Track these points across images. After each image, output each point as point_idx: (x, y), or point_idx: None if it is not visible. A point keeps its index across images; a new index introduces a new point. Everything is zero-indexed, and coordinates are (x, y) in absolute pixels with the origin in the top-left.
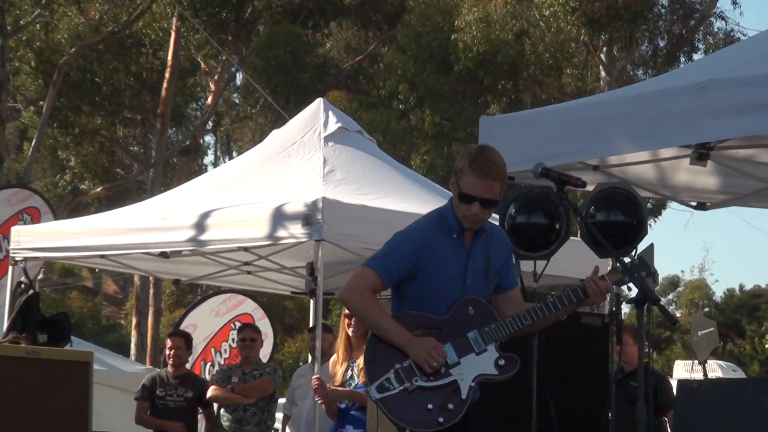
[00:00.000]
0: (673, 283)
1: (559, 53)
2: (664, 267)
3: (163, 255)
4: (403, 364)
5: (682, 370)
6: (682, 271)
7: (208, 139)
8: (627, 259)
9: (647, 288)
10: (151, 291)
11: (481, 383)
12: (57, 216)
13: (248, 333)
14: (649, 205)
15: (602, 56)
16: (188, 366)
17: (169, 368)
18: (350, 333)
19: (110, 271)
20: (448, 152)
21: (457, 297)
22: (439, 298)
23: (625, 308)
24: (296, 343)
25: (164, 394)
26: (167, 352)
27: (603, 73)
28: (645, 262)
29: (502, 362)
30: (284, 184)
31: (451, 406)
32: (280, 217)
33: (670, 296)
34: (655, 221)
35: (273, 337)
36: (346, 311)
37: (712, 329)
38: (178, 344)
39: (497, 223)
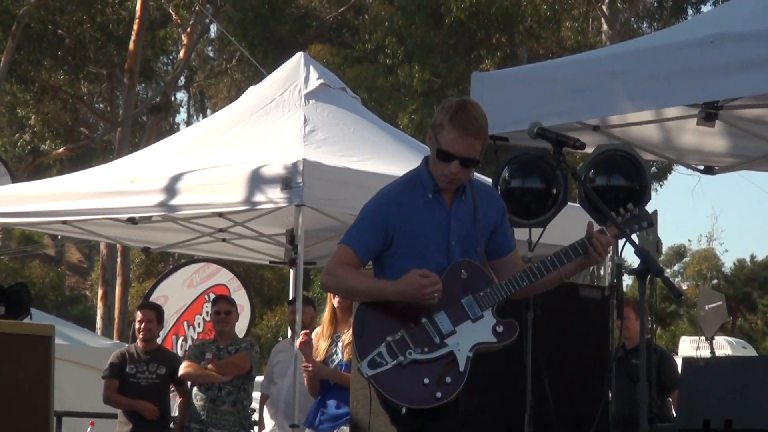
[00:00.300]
0: (679, 253)
1: (558, 5)
2: (669, 236)
3: (131, 221)
4: (396, 336)
5: (689, 347)
6: (689, 241)
7: (180, 96)
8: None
9: (650, 258)
10: (119, 260)
11: (478, 353)
12: (15, 179)
13: (223, 305)
14: (653, 168)
15: (604, 8)
16: (159, 341)
17: (139, 343)
18: (336, 305)
19: (74, 238)
20: None
21: (443, 262)
22: (424, 264)
23: (627, 280)
24: (276, 317)
25: (134, 371)
26: (137, 325)
27: (605, 26)
28: (644, 211)
29: (500, 329)
30: (262, 144)
31: (448, 379)
32: (257, 181)
33: (676, 267)
34: (659, 186)
35: (250, 309)
36: None
37: (720, 303)
38: (148, 317)
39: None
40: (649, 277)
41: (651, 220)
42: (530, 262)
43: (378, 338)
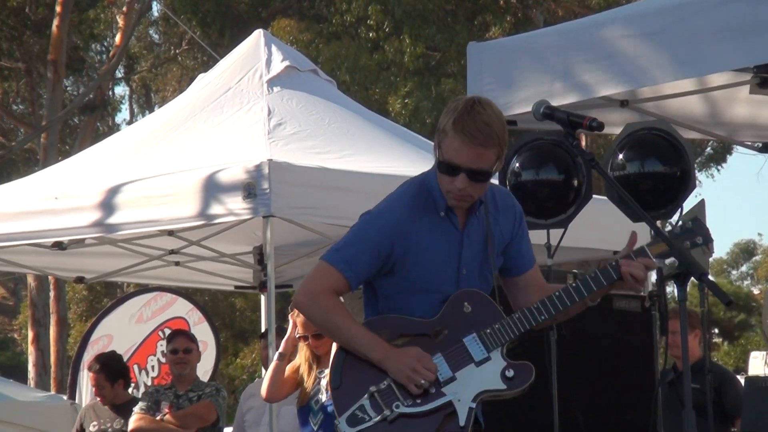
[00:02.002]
0: (748, 250)
1: None
2: (733, 230)
3: (58, 246)
4: (380, 385)
5: (760, 363)
6: (760, 235)
7: (120, 90)
8: (673, 223)
9: (690, 258)
10: (52, 294)
11: (485, 402)
12: None
13: (180, 342)
14: (708, 149)
15: None
16: None
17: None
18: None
19: None
20: (436, 92)
21: (450, 292)
22: (428, 295)
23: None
24: (252, 353)
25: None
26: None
27: None
28: (699, 223)
29: (510, 373)
30: (217, 144)
31: None
32: (213, 189)
33: (744, 268)
34: (717, 171)
35: (216, 346)
36: None
37: None
38: (185, 345)
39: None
40: (689, 281)
41: (709, 236)
42: (551, 270)
43: (360, 388)
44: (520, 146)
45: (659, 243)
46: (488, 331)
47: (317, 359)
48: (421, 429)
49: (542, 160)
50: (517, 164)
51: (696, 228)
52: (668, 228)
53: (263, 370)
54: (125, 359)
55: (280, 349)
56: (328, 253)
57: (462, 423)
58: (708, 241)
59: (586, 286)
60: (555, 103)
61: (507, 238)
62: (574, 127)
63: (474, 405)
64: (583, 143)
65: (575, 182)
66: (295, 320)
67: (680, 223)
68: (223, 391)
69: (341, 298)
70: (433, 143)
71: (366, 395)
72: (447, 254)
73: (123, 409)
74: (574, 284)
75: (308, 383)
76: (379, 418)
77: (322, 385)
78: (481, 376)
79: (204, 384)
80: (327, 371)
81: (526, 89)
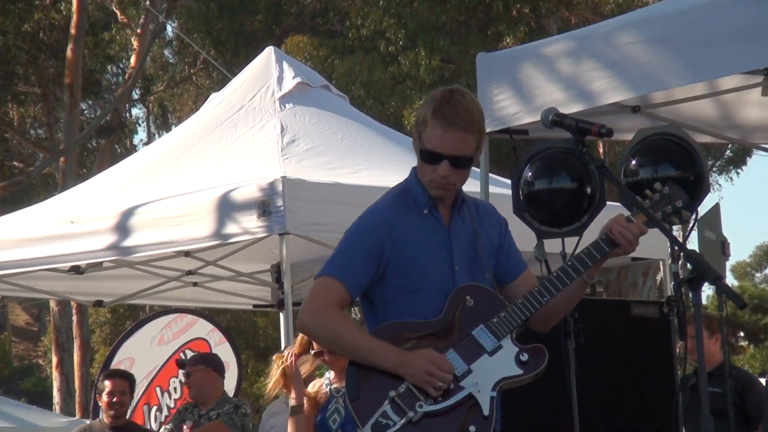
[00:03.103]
0: None
1: None
2: (755, 233)
3: (75, 270)
4: (399, 389)
5: None
6: None
7: (137, 111)
8: (653, 189)
9: (703, 262)
10: (75, 318)
11: (504, 390)
12: None
13: (188, 366)
14: (728, 152)
15: None
16: (128, 414)
17: (106, 418)
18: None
19: (10, 297)
20: None
21: (447, 290)
22: (425, 296)
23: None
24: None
25: None
26: (105, 399)
27: None
28: (676, 189)
29: (524, 357)
30: (231, 163)
31: (473, 428)
32: (228, 208)
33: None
34: (737, 174)
35: (237, 366)
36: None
37: None
38: (121, 388)
39: (508, 192)
40: (704, 286)
41: (686, 200)
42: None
43: (379, 396)
44: (532, 155)
45: (639, 213)
46: (495, 320)
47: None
48: (446, 425)
49: (555, 169)
50: (530, 173)
51: (673, 193)
52: (647, 201)
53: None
54: (147, 382)
55: (292, 402)
56: (323, 267)
57: (486, 413)
58: (687, 204)
59: (581, 262)
60: (566, 110)
61: (495, 243)
62: (583, 134)
63: (495, 394)
64: (601, 151)
65: (588, 190)
66: (294, 363)
67: (657, 191)
68: (243, 408)
69: (346, 312)
70: (413, 144)
71: (387, 401)
72: (437, 251)
73: (125, 430)
74: (569, 262)
75: (315, 387)
76: (404, 421)
77: (339, 403)
78: (496, 365)
79: (226, 401)
80: (327, 373)
81: (536, 98)
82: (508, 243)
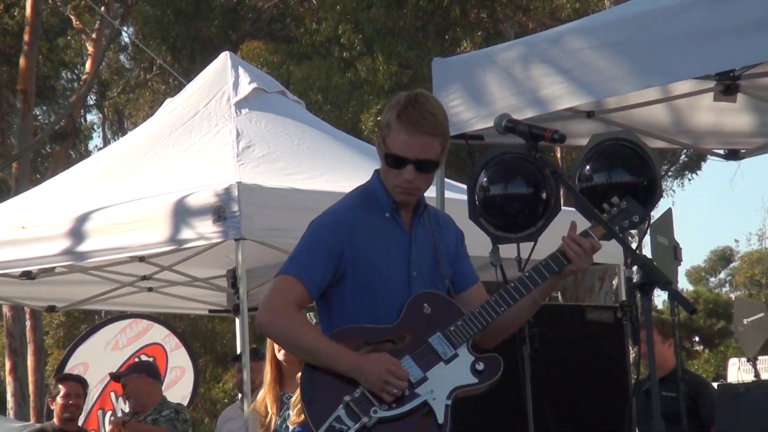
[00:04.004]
0: (725, 257)
1: None
2: (709, 238)
3: (27, 275)
4: (354, 394)
5: (737, 371)
6: (736, 242)
7: (93, 117)
8: (610, 204)
9: (653, 268)
10: (29, 323)
11: (458, 399)
12: None
13: (125, 377)
14: (683, 157)
15: None
16: (81, 419)
17: (57, 421)
18: (282, 359)
19: None
20: None
21: (403, 296)
22: (381, 300)
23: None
24: (234, 378)
25: None
26: (60, 401)
27: None
28: (633, 204)
29: (480, 366)
30: (186, 168)
31: None
32: (183, 213)
33: (722, 275)
34: (690, 180)
35: (194, 372)
36: None
37: (762, 315)
38: (75, 391)
39: (464, 197)
40: (661, 293)
41: (642, 214)
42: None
43: (333, 400)
44: (488, 161)
45: (598, 226)
46: (452, 328)
47: (281, 381)
48: (401, 431)
49: (510, 174)
50: (485, 179)
51: (630, 208)
52: (605, 214)
53: (239, 394)
54: (102, 386)
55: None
56: (283, 266)
57: (440, 421)
58: (643, 219)
59: (538, 274)
60: (521, 116)
61: (452, 254)
62: (536, 140)
63: (449, 402)
64: (558, 156)
65: (544, 195)
66: None
67: (615, 205)
68: (183, 413)
69: (304, 313)
70: (377, 148)
71: (341, 405)
72: (396, 255)
73: None
74: (527, 274)
75: (273, 410)
76: (358, 426)
77: (290, 412)
78: (452, 373)
79: (165, 406)
80: (294, 395)
81: (491, 104)
82: (462, 255)
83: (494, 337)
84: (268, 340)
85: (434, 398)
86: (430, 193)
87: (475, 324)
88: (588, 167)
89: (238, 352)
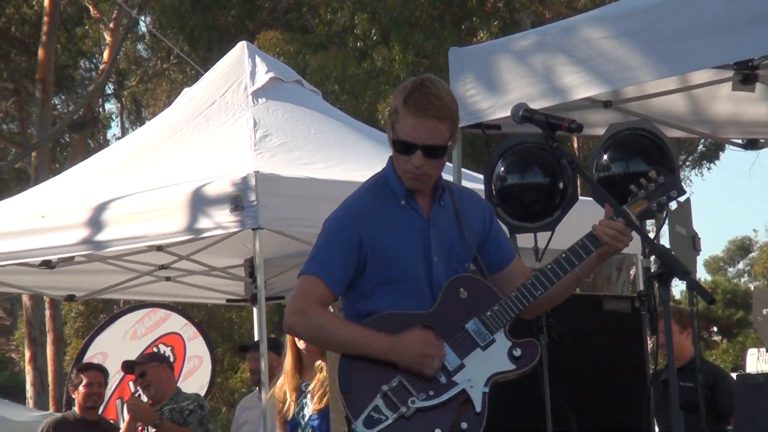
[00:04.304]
0: (744, 247)
1: None
2: (728, 228)
3: (46, 264)
4: (392, 383)
5: (756, 361)
6: (755, 231)
7: (111, 106)
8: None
9: (672, 258)
10: (48, 312)
11: (495, 385)
12: None
13: (136, 370)
14: (700, 147)
15: None
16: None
17: (79, 411)
18: (302, 348)
19: None
20: None
21: (424, 282)
22: (403, 288)
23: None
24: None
25: None
26: (82, 391)
27: None
28: (672, 179)
29: (517, 352)
30: (203, 157)
31: (464, 425)
32: (200, 203)
33: (741, 265)
34: (708, 169)
35: (211, 361)
36: None
37: None
38: (97, 380)
39: (481, 187)
40: (674, 281)
41: (681, 188)
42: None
43: (371, 390)
44: (505, 150)
45: (638, 202)
46: (488, 313)
47: (301, 370)
48: (438, 420)
49: (527, 164)
50: (502, 168)
51: (669, 182)
52: (642, 190)
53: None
54: (120, 376)
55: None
56: (304, 265)
57: (478, 409)
58: (682, 193)
59: (575, 255)
60: (538, 105)
61: (480, 231)
62: (553, 130)
63: (487, 389)
64: (575, 146)
65: (561, 184)
66: None
67: (653, 179)
68: (207, 406)
69: (330, 308)
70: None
71: (379, 395)
72: (415, 242)
73: (96, 426)
74: (563, 255)
75: (292, 397)
76: (396, 415)
77: (307, 399)
78: (489, 359)
79: (181, 395)
80: (311, 383)
81: (508, 93)
82: (496, 230)
83: (534, 310)
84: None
85: (472, 386)
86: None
87: (512, 309)
88: (605, 157)
89: (256, 340)
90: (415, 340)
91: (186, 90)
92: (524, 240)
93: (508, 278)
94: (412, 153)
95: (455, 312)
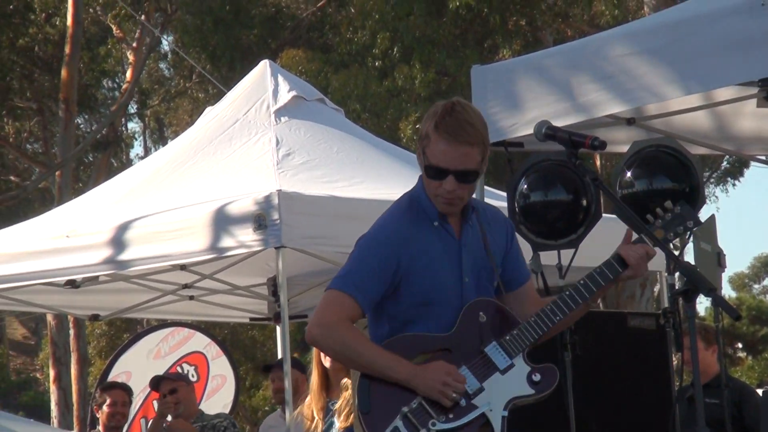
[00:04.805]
0: None
1: None
2: (753, 244)
3: (71, 284)
4: (412, 404)
5: None
6: None
7: (133, 125)
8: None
9: (697, 274)
10: (72, 332)
11: (514, 409)
12: None
13: (165, 386)
14: (724, 163)
15: None
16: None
17: (102, 429)
18: (328, 366)
19: (9, 311)
20: None
21: (456, 303)
22: (435, 309)
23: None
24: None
25: None
26: (106, 410)
27: None
28: (688, 209)
29: (537, 377)
30: (226, 176)
31: None
32: (223, 221)
33: (766, 281)
34: (733, 186)
35: (235, 380)
36: None
37: None
38: (121, 399)
39: (504, 204)
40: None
41: (697, 219)
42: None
43: (391, 411)
44: (528, 168)
45: (655, 232)
46: (507, 338)
47: (328, 388)
48: None
49: (550, 181)
50: (525, 186)
51: (685, 213)
52: (658, 220)
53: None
54: (144, 395)
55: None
56: (334, 281)
57: None
58: (698, 223)
59: (593, 281)
60: (561, 123)
61: (502, 250)
62: (576, 147)
63: (506, 413)
64: (598, 163)
65: (584, 202)
66: None
67: (668, 210)
68: (237, 425)
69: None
70: (417, 158)
71: (399, 417)
72: (448, 263)
73: None
74: (582, 282)
75: (320, 416)
76: None
77: (334, 419)
78: (508, 384)
79: (203, 416)
80: (338, 401)
81: (531, 110)
82: (516, 249)
83: (552, 333)
84: (314, 351)
85: (491, 409)
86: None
87: (531, 333)
88: (629, 174)
89: (279, 359)
90: (437, 371)
91: (208, 109)
92: (548, 257)
93: (519, 299)
94: (444, 178)
95: (475, 335)
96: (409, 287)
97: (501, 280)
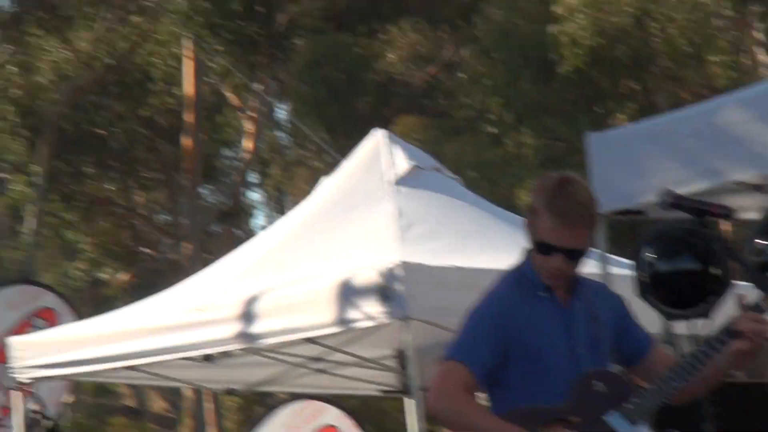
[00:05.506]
0: None
1: (698, 35)
2: None
3: (207, 358)
4: None
5: None
6: None
7: (253, 195)
8: None
9: None
10: (208, 406)
11: None
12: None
13: None
14: None
15: (754, 33)
16: None
17: None
18: None
19: (145, 385)
20: None
21: (572, 374)
22: (550, 381)
23: None
24: None
25: None
26: None
27: (760, 56)
28: None
29: None
30: (348, 248)
31: None
32: (347, 293)
33: None
34: None
35: None
36: None
37: None
38: None
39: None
40: None
41: None
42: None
43: None
44: (653, 237)
45: None
46: (629, 405)
47: None
48: None
49: (677, 250)
50: (652, 255)
51: None
52: None
53: None
54: None
55: None
56: (447, 352)
57: None
58: None
59: (710, 346)
60: (684, 189)
61: (612, 324)
62: (702, 216)
63: None
64: (724, 230)
65: (713, 270)
66: None
67: None
68: None
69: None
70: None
71: None
72: (558, 333)
73: None
74: (701, 347)
75: None
76: None
77: None
78: None
79: None
80: None
81: (651, 178)
82: (630, 321)
83: (684, 397)
84: None
85: None
86: (594, 269)
87: (652, 399)
88: (761, 241)
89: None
90: None
91: (324, 179)
92: (680, 328)
93: (650, 368)
94: (552, 254)
95: (593, 405)
96: (521, 360)
97: (626, 354)
